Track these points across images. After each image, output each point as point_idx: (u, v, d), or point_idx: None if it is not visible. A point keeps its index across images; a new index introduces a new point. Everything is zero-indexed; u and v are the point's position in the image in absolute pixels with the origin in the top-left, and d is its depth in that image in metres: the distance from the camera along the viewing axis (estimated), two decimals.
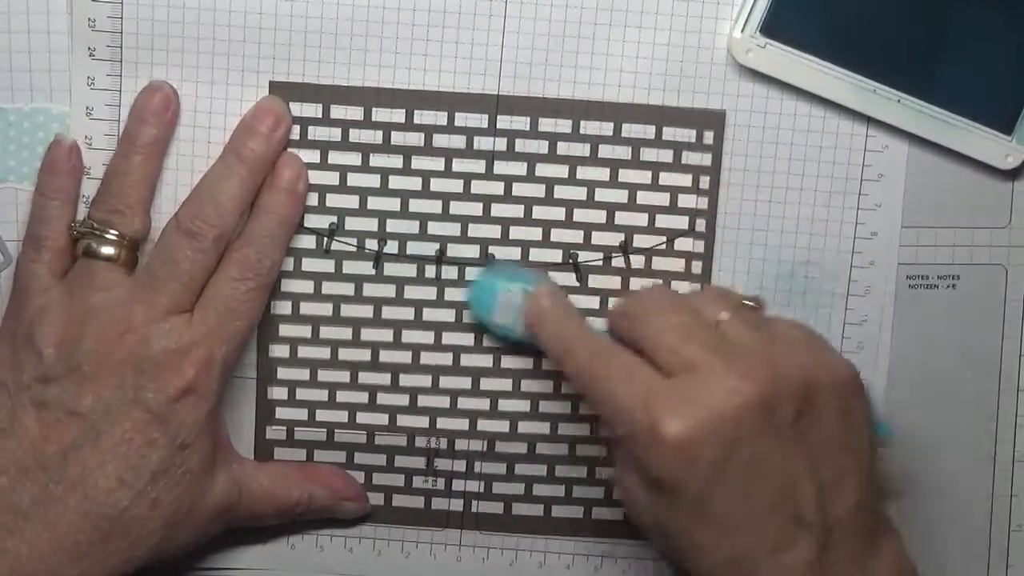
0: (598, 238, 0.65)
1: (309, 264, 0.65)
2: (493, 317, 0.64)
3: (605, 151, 0.65)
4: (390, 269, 0.65)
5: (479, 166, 0.65)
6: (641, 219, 0.65)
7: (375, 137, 0.64)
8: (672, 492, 0.55)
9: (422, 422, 0.67)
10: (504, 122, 0.64)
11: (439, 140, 0.64)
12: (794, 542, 0.55)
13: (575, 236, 0.65)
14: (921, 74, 0.63)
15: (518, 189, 0.65)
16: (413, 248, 0.65)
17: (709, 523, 0.55)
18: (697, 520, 0.55)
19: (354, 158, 0.64)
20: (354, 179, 0.65)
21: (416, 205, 0.65)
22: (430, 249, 0.65)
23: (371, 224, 0.65)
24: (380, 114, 0.64)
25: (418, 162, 0.64)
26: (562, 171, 0.65)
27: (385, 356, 0.66)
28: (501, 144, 0.64)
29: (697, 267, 0.66)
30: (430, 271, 0.65)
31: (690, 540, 0.55)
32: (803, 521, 0.55)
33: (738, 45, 0.63)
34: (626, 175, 0.65)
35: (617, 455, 0.59)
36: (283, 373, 0.66)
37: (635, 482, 0.57)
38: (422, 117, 0.64)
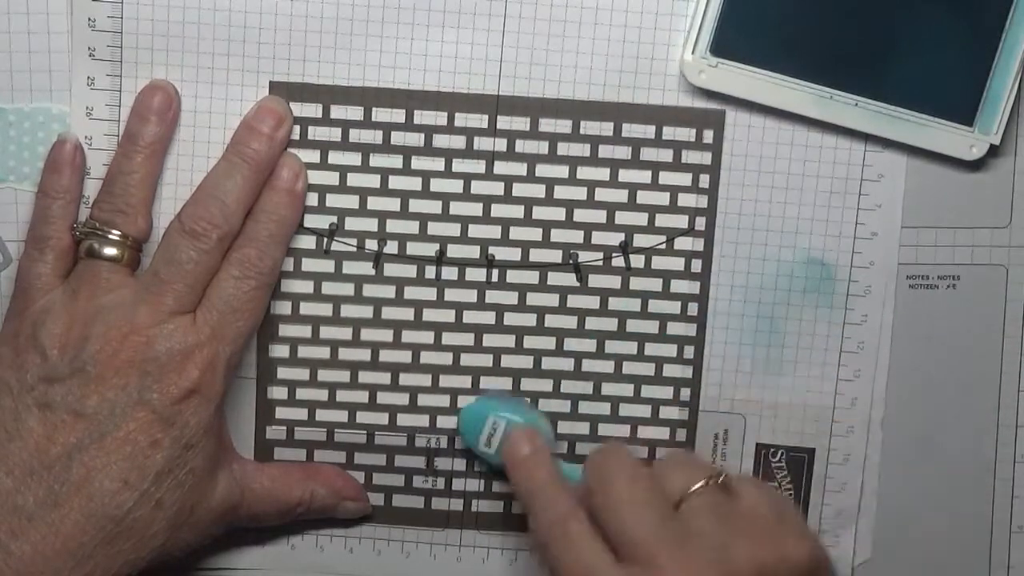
0: (598, 238, 0.65)
1: (309, 264, 0.65)
2: (478, 444, 0.65)
3: (605, 151, 0.65)
4: (390, 269, 0.65)
5: (479, 166, 0.65)
6: (641, 218, 0.65)
7: (375, 137, 0.64)
8: None
9: (422, 421, 0.67)
10: (504, 122, 0.64)
11: (439, 140, 0.64)
12: None
13: (575, 236, 0.65)
14: (875, 76, 0.63)
15: (518, 189, 0.65)
16: (413, 248, 0.65)
17: None
18: None
19: (354, 158, 0.64)
20: (354, 179, 0.64)
21: (416, 205, 0.65)
22: (430, 250, 0.65)
23: (371, 224, 0.65)
24: (380, 114, 0.64)
25: (418, 162, 0.64)
26: (562, 171, 0.65)
27: (385, 356, 0.66)
28: (501, 144, 0.64)
29: (697, 266, 0.66)
30: (430, 271, 0.65)
31: None
32: None
33: (690, 67, 0.63)
34: (626, 175, 0.65)
35: None
36: (283, 373, 0.66)
37: None
38: (422, 117, 0.64)
